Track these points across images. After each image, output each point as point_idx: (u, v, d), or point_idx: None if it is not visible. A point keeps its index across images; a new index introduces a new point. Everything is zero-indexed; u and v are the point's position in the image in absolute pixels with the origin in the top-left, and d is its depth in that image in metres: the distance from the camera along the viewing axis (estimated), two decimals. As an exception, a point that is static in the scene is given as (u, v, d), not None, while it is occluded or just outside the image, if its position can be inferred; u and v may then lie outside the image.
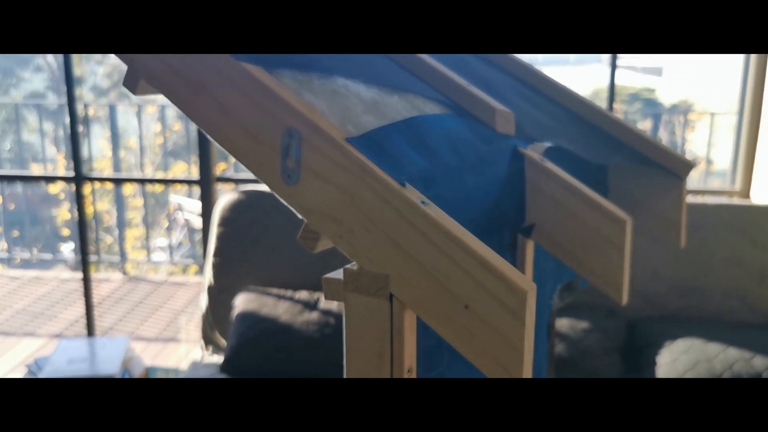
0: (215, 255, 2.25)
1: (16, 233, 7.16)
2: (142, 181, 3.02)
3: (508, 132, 0.71)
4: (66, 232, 7.01)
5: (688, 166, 0.82)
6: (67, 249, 7.01)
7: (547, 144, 0.73)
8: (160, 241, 6.35)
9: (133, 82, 0.64)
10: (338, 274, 0.58)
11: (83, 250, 2.58)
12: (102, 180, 2.60)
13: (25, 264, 5.24)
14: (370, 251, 0.54)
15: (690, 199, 2.70)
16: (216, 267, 2.26)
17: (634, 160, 0.82)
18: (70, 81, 2.40)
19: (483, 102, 0.70)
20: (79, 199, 2.49)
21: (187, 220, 4.51)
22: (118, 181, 3.31)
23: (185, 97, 0.61)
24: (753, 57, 2.52)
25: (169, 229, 5.43)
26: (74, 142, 2.40)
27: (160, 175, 6.49)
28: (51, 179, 2.76)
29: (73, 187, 2.46)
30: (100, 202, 6.25)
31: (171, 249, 5.11)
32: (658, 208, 0.84)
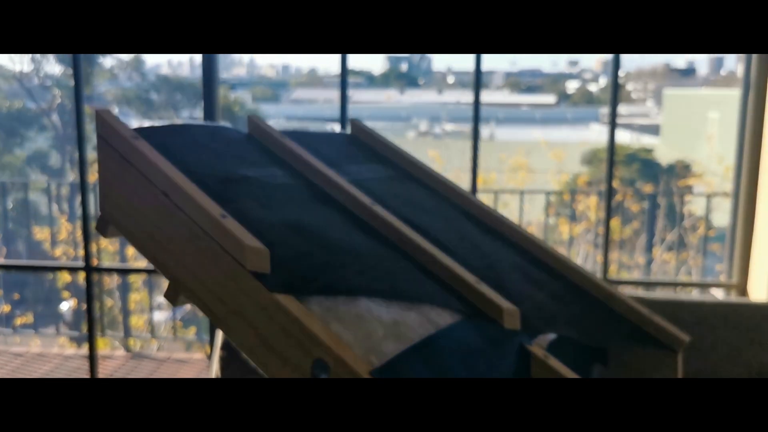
0: (222, 348, 2.29)
1: (16, 296, 7.18)
2: (149, 272, 3.08)
3: (514, 327, 0.76)
4: (66, 294, 7.03)
5: (681, 341, 0.88)
6: (65, 306, 7.02)
7: (551, 336, 0.78)
8: (159, 299, 6.38)
9: (173, 296, 0.70)
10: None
11: (90, 333, 2.62)
12: (110, 270, 2.67)
13: (25, 329, 5.26)
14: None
15: (688, 296, 2.75)
16: (223, 360, 2.30)
17: (631, 340, 0.88)
18: (83, 167, 2.47)
19: (491, 302, 0.76)
20: (88, 289, 2.54)
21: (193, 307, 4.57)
22: (125, 272, 3.38)
23: (221, 315, 0.67)
24: (747, 134, 2.55)
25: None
26: (85, 234, 2.47)
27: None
28: (61, 269, 2.81)
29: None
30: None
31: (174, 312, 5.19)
32: (654, 377, 0.90)
